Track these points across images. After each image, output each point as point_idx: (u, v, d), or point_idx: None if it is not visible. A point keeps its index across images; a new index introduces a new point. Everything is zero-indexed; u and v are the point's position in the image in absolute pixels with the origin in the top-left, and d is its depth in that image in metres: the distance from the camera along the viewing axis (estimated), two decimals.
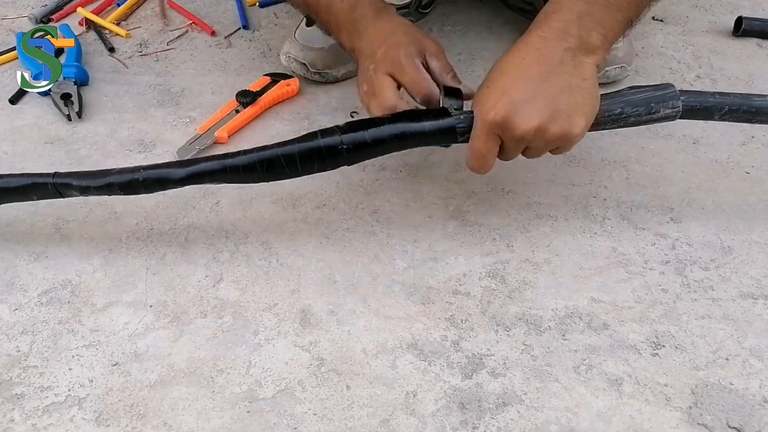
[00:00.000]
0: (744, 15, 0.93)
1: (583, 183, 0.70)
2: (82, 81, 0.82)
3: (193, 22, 0.94)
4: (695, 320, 0.58)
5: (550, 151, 0.57)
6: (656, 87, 0.59)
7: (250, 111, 0.78)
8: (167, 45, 0.91)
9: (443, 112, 0.57)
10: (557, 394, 0.52)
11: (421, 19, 0.96)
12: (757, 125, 0.77)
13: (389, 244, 0.65)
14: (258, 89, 0.80)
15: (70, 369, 0.54)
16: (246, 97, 0.78)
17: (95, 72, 0.85)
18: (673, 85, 0.59)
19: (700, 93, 0.60)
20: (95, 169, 0.60)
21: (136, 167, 0.59)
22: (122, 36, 0.92)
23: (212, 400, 0.52)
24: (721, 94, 0.61)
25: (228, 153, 0.59)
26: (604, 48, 0.55)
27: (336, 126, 0.58)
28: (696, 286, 0.60)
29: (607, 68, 0.81)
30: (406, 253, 0.64)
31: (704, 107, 0.60)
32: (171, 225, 0.66)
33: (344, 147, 0.57)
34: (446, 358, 0.55)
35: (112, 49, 0.89)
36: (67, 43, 0.88)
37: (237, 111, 0.78)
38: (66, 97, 0.79)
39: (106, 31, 0.93)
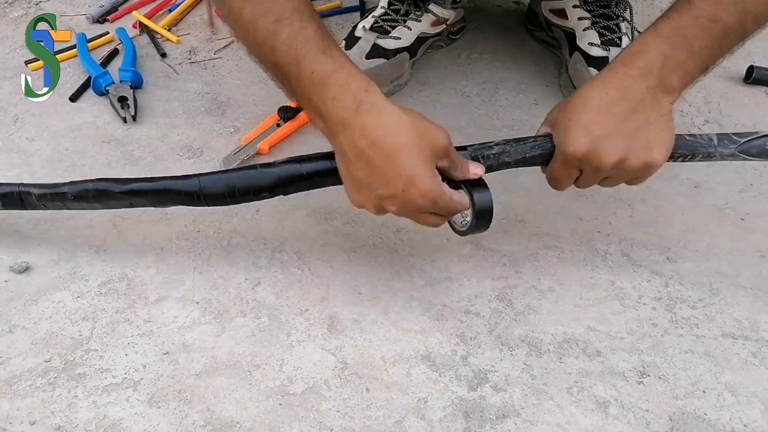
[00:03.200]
0: (756, 63, 0.98)
1: (590, 218, 0.77)
2: (137, 85, 0.90)
3: None
4: (679, 354, 0.65)
5: (626, 182, 0.60)
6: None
7: (289, 125, 0.85)
8: (215, 54, 0.98)
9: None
10: (551, 411, 0.60)
11: (451, 44, 1.02)
12: (757, 174, 0.84)
13: (410, 262, 0.72)
14: (297, 105, 0.87)
15: (126, 354, 0.62)
16: (287, 113, 0.85)
17: (148, 76, 0.93)
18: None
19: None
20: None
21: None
22: (173, 42, 0.99)
23: (249, 391, 0.60)
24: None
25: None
26: (681, 90, 0.58)
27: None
28: (683, 322, 0.67)
29: None
30: (424, 271, 0.71)
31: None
32: (216, 229, 0.73)
33: None
34: (455, 371, 0.62)
35: (164, 55, 0.96)
36: (64, 36, 0.90)
37: (278, 125, 0.85)
38: (122, 100, 0.86)
39: (158, 36, 1.00)
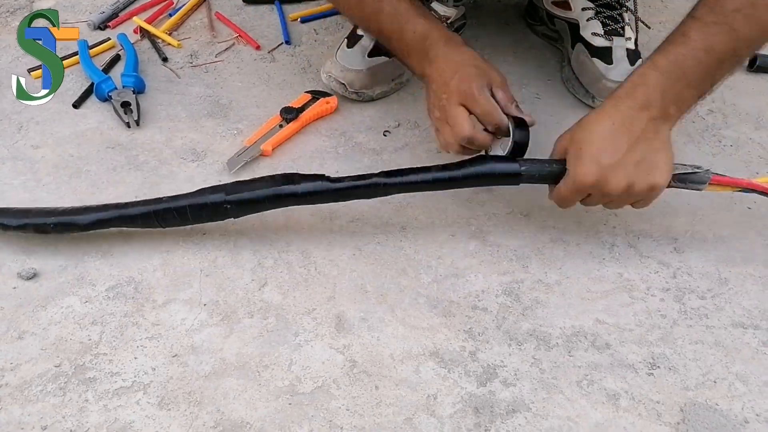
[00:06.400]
0: (759, 51, 0.98)
1: (595, 210, 0.77)
2: (139, 90, 0.90)
3: (240, 35, 1.01)
4: (689, 345, 0.64)
5: (632, 205, 0.66)
6: None
7: (292, 126, 0.85)
8: (216, 57, 0.98)
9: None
10: (561, 405, 0.59)
11: None
12: (763, 162, 0.84)
13: (415, 259, 0.72)
14: (300, 105, 0.87)
15: (135, 358, 0.62)
16: (290, 114, 0.85)
17: (150, 80, 0.93)
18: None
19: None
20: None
21: (50, 210, 0.69)
22: (174, 46, 0.99)
23: (258, 391, 0.60)
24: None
25: (128, 203, 0.69)
26: (679, 116, 0.64)
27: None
28: (692, 313, 0.67)
29: None
30: (430, 268, 0.71)
31: None
32: (221, 231, 0.73)
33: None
34: (464, 367, 0.62)
35: (165, 59, 0.97)
36: (70, 33, 0.82)
37: (281, 126, 0.85)
38: (125, 105, 0.87)
39: (159, 41, 1.00)
